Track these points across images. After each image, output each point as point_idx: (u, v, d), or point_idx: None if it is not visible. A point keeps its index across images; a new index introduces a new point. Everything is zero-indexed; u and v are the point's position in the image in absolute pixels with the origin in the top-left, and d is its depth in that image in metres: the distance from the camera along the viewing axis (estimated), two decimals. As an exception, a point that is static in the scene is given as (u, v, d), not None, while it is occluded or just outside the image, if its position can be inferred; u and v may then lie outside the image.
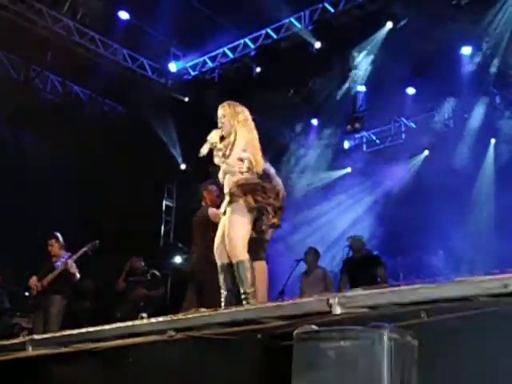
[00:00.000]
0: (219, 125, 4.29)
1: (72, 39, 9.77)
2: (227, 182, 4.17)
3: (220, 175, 4.29)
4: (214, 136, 4.24)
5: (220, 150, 4.18)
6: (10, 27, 8.92)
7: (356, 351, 2.08)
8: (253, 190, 4.04)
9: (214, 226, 4.59)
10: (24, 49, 9.48)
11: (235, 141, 4.15)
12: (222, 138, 4.28)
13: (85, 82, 10.59)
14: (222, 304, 4.10)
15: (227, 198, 4.12)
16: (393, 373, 2.01)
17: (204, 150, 4.22)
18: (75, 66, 9.91)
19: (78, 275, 7.29)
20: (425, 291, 2.55)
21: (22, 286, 8.19)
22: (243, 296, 3.95)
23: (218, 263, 4.20)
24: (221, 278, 4.19)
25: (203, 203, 5.84)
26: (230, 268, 4.10)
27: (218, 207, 4.70)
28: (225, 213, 4.15)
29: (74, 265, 7.24)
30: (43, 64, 10.01)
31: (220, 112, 4.32)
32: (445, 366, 2.34)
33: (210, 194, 5.68)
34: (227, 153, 4.15)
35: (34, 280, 7.33)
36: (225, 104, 4.36)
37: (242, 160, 4.09)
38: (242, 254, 3.98)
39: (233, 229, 4.02)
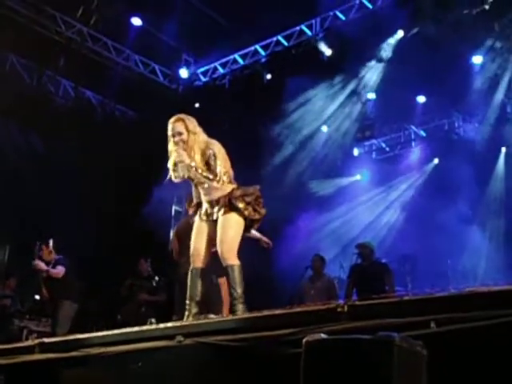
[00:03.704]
0: (176, 139, 4.10)
1: (85, 45, 9.88)
2: (207, 191, 4.13)
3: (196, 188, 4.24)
4: (184, 157, 4.06)
5: (200, 168, 4.07)
6: (23, 32, 9.03)
7: (365, 360, 2.08)
8: (255, 200, 4.11)
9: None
10: (37, 54, 9.58)
11: (215, 154, 4.07)
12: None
13: (97, 87, 10.69)
14: (186, 314, 4.02)
15: (221, 206, 4.07)
16: (402, 382, 2.01)
17: (183, 174, 4.08)
18: (87, 71, 10.02)
19: (52, 271, 7.21)
20: (434, 301, 2.56)
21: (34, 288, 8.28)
22: (235, 301, 3.94)
23: (193, 267, 4.15)
24: (192, 284, 4.10)
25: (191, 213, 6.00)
26: (202, 275, 4.12)
27: None
28: (214, 220, 4.10)
29: (39, 263, 7.21)
30: (56, 69, 10.10)
31: (178, 127, 4.14)
32: (454, 375, 2.34)
33: None
34: (211, 169, 4.07)
35: (44, 292, 7.44)
36: (181, 118, 4.19)
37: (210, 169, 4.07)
38: (235, 258, 4.05)
39: (231, 232, 4.05)
